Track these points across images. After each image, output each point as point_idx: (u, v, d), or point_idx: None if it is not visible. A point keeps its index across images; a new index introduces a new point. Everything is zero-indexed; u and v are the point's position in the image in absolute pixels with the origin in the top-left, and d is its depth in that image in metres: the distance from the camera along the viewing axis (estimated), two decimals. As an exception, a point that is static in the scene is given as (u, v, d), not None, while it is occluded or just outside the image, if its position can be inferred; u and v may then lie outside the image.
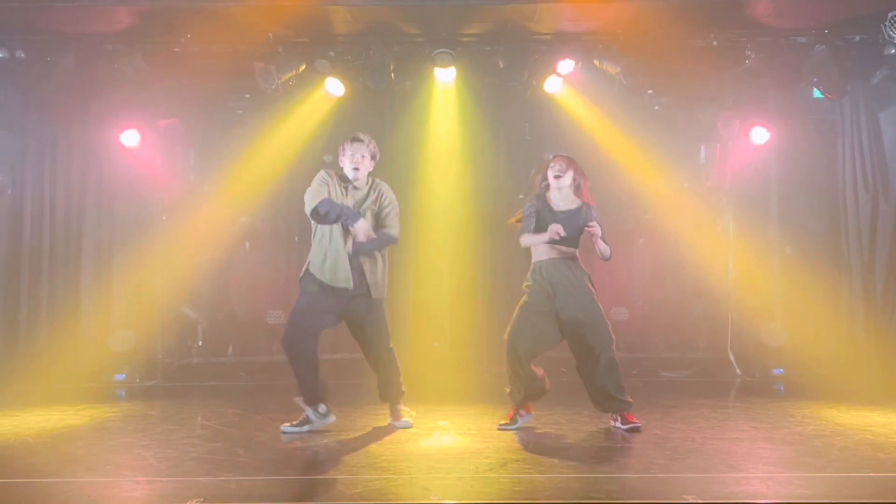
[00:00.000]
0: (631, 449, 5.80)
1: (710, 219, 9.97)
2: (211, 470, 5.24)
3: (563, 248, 6.50)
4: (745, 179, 9.89)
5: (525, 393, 6.47)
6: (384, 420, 6.79)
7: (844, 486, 4.88)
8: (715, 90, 9.44)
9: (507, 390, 6.57)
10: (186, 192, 9.92)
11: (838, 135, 9.66)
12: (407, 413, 6.69)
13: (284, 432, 6.35)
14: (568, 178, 6.57)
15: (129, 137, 9.53)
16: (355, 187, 6.52)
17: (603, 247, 6.57)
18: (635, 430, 6.31)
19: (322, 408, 6.40)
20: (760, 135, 9.61)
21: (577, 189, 6.62)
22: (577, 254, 6.61)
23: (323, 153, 9.81)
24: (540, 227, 6.43)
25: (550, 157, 6.77)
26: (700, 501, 4.40)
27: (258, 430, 6.54)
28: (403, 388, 6.67)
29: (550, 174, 6.57)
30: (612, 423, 6.47)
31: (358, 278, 6.32)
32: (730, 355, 9.83)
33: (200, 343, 9.93)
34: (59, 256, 9.74)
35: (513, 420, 6.51)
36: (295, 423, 6.41)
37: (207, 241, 9.63)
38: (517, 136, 10.09)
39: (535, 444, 6.01)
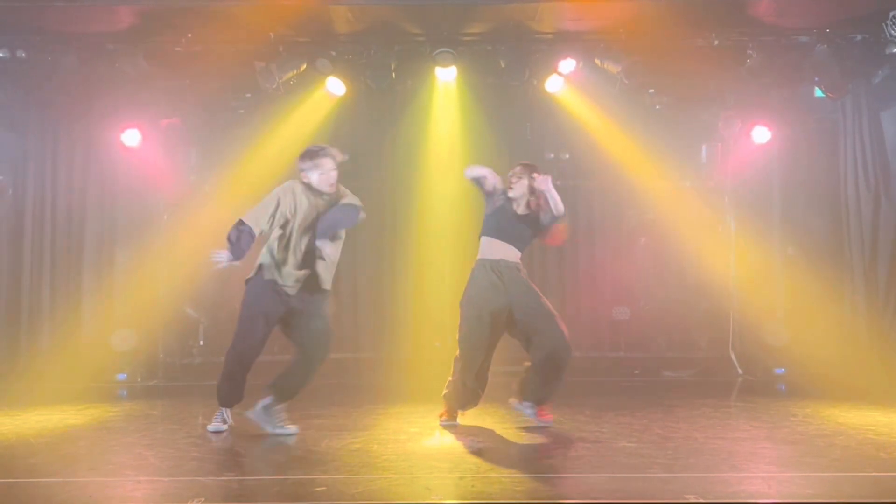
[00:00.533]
0: (632, 448, 5.79)
1: (712, 218, 9.97)
2: (213, 470, 5.25)
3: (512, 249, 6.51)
4: (747, 179, 9.89)
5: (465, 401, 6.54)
6: (386, 420, 6.80)
7: (846, 486, 4.88)
8: (716, 89, 9.45)
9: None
10: (187, 191, 9.92)
11: (840, 134, 9.66)
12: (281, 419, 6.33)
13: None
14: (522, 187, 6.56)
15: (131, 137, 9.53)
16: (326, 196, 6.33)
17: (554, 195, 6.43)
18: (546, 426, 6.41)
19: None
20: (762, 134, 9.61)
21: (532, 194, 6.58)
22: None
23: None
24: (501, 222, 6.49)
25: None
26: (702, 501, 4.40)
27: (259, 430, 6.53)
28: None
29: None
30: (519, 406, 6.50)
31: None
32: (731, 355, 9.83)
33: (202, 342, 9.94)
34: (60, 256, 9.75)
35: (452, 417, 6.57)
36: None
37: (208, 241, 9.58)
38: (518, 136, 10.09)
39: (536, 444, 6.00)
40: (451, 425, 6.52)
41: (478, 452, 5.67)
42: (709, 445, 5.87)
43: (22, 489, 4.92)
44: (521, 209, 6.58)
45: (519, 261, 6.55)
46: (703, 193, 10.04)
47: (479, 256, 6.61)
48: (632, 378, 9.49)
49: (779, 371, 9.43)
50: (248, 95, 9.72)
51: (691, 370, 9.72)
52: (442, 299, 9.81)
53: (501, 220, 6.52)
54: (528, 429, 6.42)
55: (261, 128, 9.64)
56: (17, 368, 9.27)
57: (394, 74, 9.11)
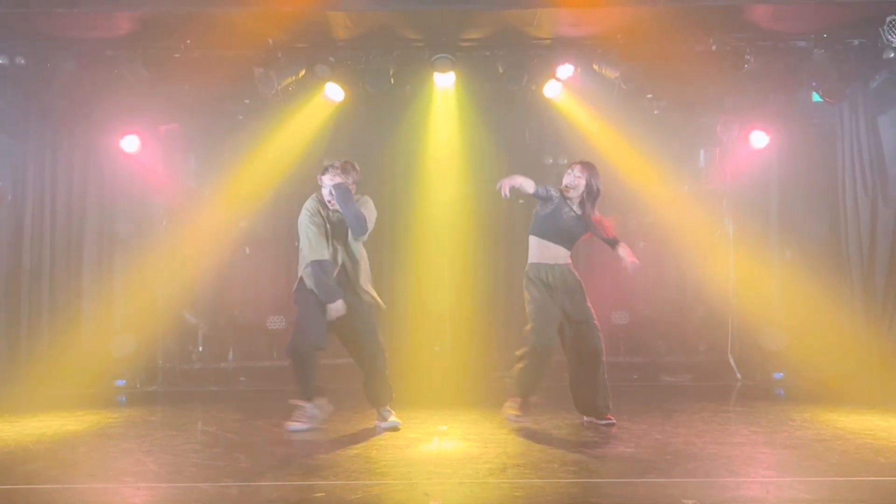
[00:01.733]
0: (631, 453, 5.80)
1: (711, 222, 9.97)
2: (212, 476, 5.25)
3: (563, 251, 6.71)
4: (745, 183, 9.90)
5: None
6: (384, 425, 6.81)
7: (845, 491, 4.88)
8: (714, 94, 9.45)
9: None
10: (187, 197, 9.93)
11: (838, 138, 9.67)
12: (393, 415, 6.75)
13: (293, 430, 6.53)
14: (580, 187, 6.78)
15: (130, 143, 9.54)
16: (336, 211, 6.64)
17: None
18: (610, 425, 6.63)
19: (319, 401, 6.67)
20: (760, 139, 9.62)
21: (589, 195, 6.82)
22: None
23: (323, 158, 9.83)
24: (555, 224, 6.65)
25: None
26: (700, 506, 4.41)
27: (259, 436, 6.54)
28: (392, 392, 6.79)
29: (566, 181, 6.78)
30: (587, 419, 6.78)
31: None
32: (730, 359, 9.84)
33: (201, 348, 9.94)
34: (59, 261, 9.75)
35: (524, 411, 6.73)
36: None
37: (208, 246, 9.64)
38: (517, 141, 10.11)
39: (535, 449, 6.00)
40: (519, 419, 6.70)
41: (476, 458, 5.67)
42: (707, 450, 5.88)
43: (21, 495, 4.93)
44: (576, 208, 6.73)
45: (569, 260, 6.81)
46: (702, 198, 10.05)
47: (531, 260, 6.78)
48: (630, 382, 9.48)
49: (777, 375, 9.43)
50: (247, 101, 9.73)
51: (690, 375, 9.72)
52: (441, 305, 9.84)
53: (559, 222, 6.71)
54: (524, 434, 6.43)
55: (260, 133, 9.66)
56: (16, 374, 9.27)
57: (392, 80, 9.11)
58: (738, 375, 9.66)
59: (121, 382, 9.40)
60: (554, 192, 6.68)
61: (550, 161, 10.07)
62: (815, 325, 9.20)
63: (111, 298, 9.70)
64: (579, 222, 6.74)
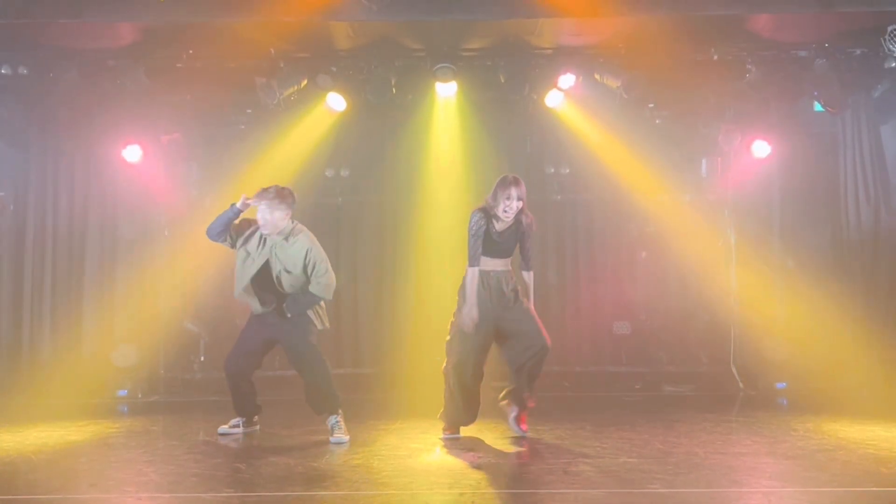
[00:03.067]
0: (633, 463, 5.78)
1: (713, 232, 9.97)
2: (213, 486, 5.24)
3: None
4: (747, 192, 9.90)
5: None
6: (386, 435, 6.81)
7: (847, 501, 4.87)
8: (716, 104, 9.45)
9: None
10: (188, 206, 9.93)
11: (839, 148, 9.68)
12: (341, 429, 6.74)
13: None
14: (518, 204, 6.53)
15: (132, 152, 9.55)
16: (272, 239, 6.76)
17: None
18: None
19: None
20: (762, 148, 9.61)
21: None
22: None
23: (325, 168, 9.86)
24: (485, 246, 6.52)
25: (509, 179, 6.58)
26: (702, 517, 4.39)
27: (260, 446, 6.53)
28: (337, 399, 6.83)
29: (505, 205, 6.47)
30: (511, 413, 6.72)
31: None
32: (732, 369, 9.82)
33: (203, 358, 9.93)
34: (61, 271, 9.76)
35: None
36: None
37: (209, 256, 9.62)
38: (518, 150, 10.11)
39: (536, 459, 6.00)
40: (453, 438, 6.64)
41: (478, 468, 5.67)
42: (710, 460, 5.86)
43: (22, 506, 4.93)
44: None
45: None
46: (704, 207, 10.04)
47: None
48: (633, 393, 9.47)
49: (780, 385, 9.41)
50: (249, 111, 9.74)
51: (692, 385, 9.70)
52: (443, 314, 9.77)
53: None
54: (526, 444, 6.42)
55: (262, 143, 9.66)
56: (18, 384, 9.26)
57: (394, 90, 9.13)
58: (741, 385, 9.65)
59: (122, 392, 9.39)
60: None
61: (552, 170, 10.08)
62: (818, 334, 9.19)
63: (113, 308, 9.70)
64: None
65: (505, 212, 6.43)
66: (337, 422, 6.67)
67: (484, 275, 6.52)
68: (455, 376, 6.56)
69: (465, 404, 6.63)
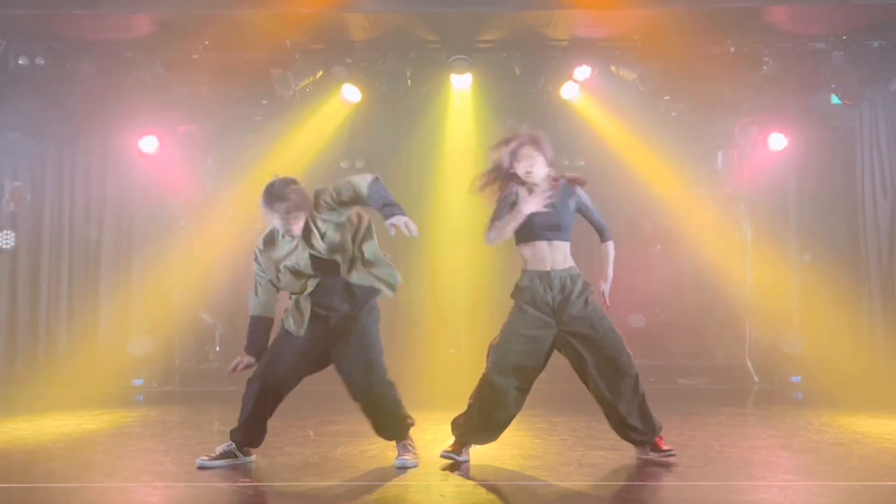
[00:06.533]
0: (648, 456, 5.76)
1: (728, 225, 9.94)
2: (229, 476, 5.26)
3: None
4: (763, 186, 9.86)
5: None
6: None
7: (863, 496, 4.85)
8: (732, 96, 9.42)
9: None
10: (204, 197, 9.97)
11: (856, 141, 9.63)
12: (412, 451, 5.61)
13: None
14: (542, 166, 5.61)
15: (148, 143, 9.60)
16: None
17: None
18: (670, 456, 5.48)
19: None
20: (778, 141, 9.58)
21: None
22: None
23: (339, 160, 9.87)
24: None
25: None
26: (718, 510, 4.39)
27: (275, 436, 6.54)
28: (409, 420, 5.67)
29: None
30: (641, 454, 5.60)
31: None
32: (748, 362, 9.80)
33: (218, 348, 9.97)
34: (77, 262, 9.82)
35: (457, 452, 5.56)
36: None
37: (225, 247, 9.66)
38: (534, 143, 10.08)
39: (551, 451, 5.99)
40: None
41: (493, 460, 5.66)
42: (724, 454, 5.85)
43: (39, 494, 4.95)
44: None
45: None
46: (719, 201, 10.01)
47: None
48: (647, 386, 9.41)
49: (795, 379, 9.39)
50: (265, 102, 9.77)
51: (707, 378, 9.68)
52: (457, 307, 9.83)
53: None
54: (541, 437, 6.41)
55: (277, 134, 9.68)
56: (35, 374, 9.34)
57: (409, 81, 9.13)
58: (756, 379, 9.62)
59: (138, 382, 9.46)
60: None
61: (567, 163, 10.02)
62: (834, 328, 9.16)
63: (129, 298, 9.76)
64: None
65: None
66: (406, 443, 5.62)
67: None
68: (486, 381, 5.65)
69: (482, 419, 5.52)
